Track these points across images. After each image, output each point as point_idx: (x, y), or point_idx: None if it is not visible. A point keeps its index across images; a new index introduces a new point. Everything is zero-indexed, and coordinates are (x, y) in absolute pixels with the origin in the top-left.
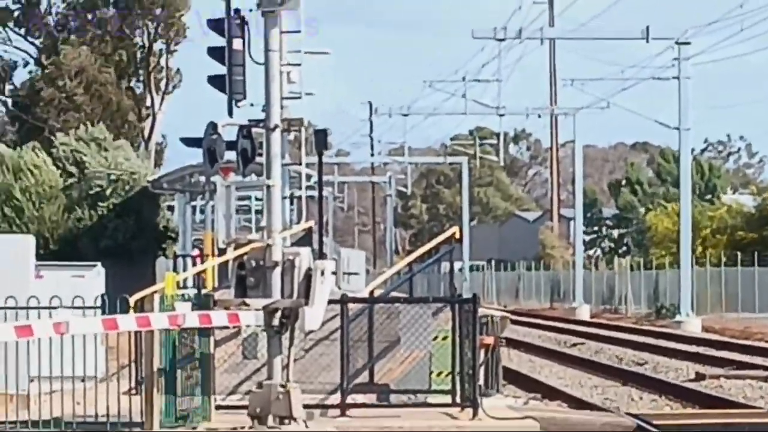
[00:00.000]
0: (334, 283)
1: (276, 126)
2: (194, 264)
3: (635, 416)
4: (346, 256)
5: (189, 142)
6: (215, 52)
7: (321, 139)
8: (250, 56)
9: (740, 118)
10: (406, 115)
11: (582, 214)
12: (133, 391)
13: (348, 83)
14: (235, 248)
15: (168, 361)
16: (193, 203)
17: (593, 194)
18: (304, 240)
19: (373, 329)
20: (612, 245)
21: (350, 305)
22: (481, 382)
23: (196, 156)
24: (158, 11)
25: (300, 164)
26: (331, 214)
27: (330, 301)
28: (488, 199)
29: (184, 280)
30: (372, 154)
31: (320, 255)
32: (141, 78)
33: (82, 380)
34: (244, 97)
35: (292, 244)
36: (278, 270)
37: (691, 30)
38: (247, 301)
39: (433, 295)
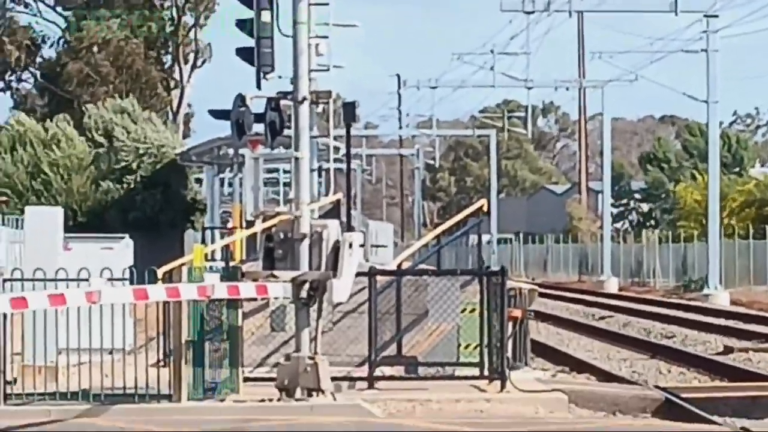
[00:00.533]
0: (362, 256)
1: (304, 98)
2: (227, 234)
3: (663, 389)
4: (374, 228)
5: (217, 114)
6: (244, 25)
7: (349, 111)
8: (279, 28)
9: None
10: (434, 88)
11: (610, 187)
12: (161, 364)
13: (376, 56)
14: (264, 221)
15: (196, 333)
16: (221, 176)
17: (621, 168)
18: (332, 213)
19: (401, 302)
20: (640, 218)
21: (378, 278)
22: (509, 354)
23: (224, 128)
24: None
25: (328, 137)
26: (359, 186)
27: (358, 274)
28: (516, 172)
29: (212, 253)
30: (400, 127)
31: (348, 227)
32: (170, 51)
33: (110, 352)
34: (273, 70)
35: (320, 217)
36: (306, 242)
37: (720, 2)
38: (276, 273)
39: (461, 268)
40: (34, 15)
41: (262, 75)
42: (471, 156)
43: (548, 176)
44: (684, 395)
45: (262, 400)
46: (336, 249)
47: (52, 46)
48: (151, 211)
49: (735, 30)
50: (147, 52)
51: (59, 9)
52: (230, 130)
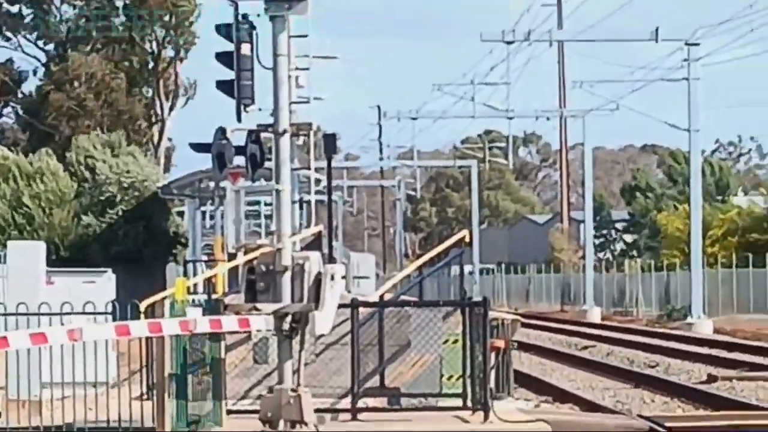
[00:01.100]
0: (344, 288)
1: (285, 130)
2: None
3: (647, 418)
4: (355, 260)
5: (198, 147)
6: (223, 57)
7: (330, 143)
8: (259, 61)
9: (751, 119)
10: (414, 119)
11: (592, 216)
12: (145, 397)
13: (357, 88)
14: (245, 253)
15: (179, 366)
16: (203, 209)
17: (602, 197)
18: (314, 244)
19: (384, 333)
20: (624, 248)
21: (360, 309)
22: (492, 385)
23: (204, 162)
24: (167, 18)
25: (309, 169)
26: (341, 218)
27: (340, 306)
28: (498, 202)
29: (195, 286)
30: (381, 158)
31: (330, 259)
32: (152, 85)
33: (94, 386)
34: (253, 102)
35: (302, 249)
36: (288, 274)
37: (701, 31)
38: (258, 305)
39: (443, 299)
40: (15, 49)
41: (242, 107)
42: (452, 186)
43: (530, 206)
44: (668, 424)
45: None
46: (318, 281)
47: (27, 79)
48: (133, 245)
49: (716, 58)
50: (130, 86)
51: (40, 43)
52: (211, 163)
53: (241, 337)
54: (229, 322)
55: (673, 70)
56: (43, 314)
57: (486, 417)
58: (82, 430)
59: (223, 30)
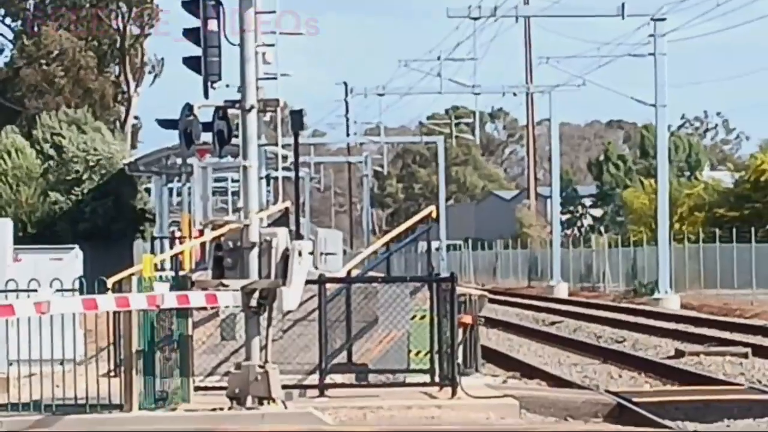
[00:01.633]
0: (311, 264)
1: (252, 107)
2: (174, 245)
3: (615, 394)
4: (323, 236)
5: (165, 123)
6: (190, 34)
7: (297, 119)
8: (225, 37)
9: (717, 94)
10: (381, 95)
11: (559, 192)
12: (112, 374)
13: (323, 64)
14: (213, 229)
15: (146, 343)
16: (170, 185)
17: (569, 173)
18: (281, 221)
19: (351, 309)
20: (591, 224)
21: (328, 285)
22: (460, 361)
23: (171, 138)
24: None
25: (276, 145)
26: (308, 194)
27: (307, 282)
28: (465, 178)
29: (162, 262)
30: (348, 135)
31: (297, 235)
32: (118, 62)
33: (61, 363)
34: (220, 78)
35: (269, 225)
36: (255, 251)
37: (667, 6)
38: (225, 281)
39: (410, 275)
40: None
41: (209, 84)
42: (419, 163)
43: (497, 182)
44: (635, 399)
45: (213, 409)
46: (285, 257)
47: (4, 54)
48: (100, 222)
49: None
50: (100, 65)
51: (8, 21)
52: (178, 139)
53: (209, 314)
54: (196, 298)
55: (639, 45)
56: (10, 291)
57: (454, 393)
58: (49, 407)
59: (191, 6)
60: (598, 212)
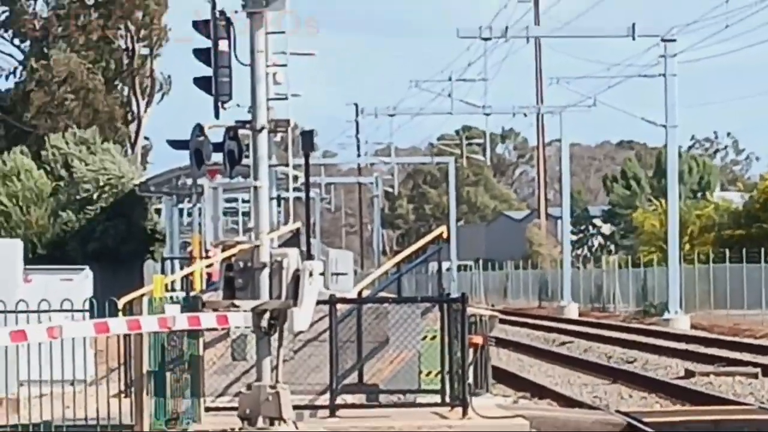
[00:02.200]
0: (322, 284)
1: (263, 127)
2: (191, 263)
3: (625, 414)
4: (333, 256)
5: (176, 144)
6: (201, 54)
7: (307, 140)
8: (236, 57)
9: (727, 114)
10: (392, 116)
11: (569, 212)
12: (123, 394)
13: (334, 85)
14: (223, 250)
15: (157, 363)
16: (180, 206)
17: (580, 193)
18: (292, 241)
19: (362, 330)
20: (602, 242)
21: (339, 306)
22: (471, 381)
23: (181, 159)
24: (139, 15)
25: (287, 165)
26: (319, 215)
27: (318, 302)
28: (475, 198)
29: (172, 283)
30: (358, 155)
31: (308, 256)
32: (127, 83)
33: (72, 383)
34: (230, 99)
35: (280, 246)
36: (266, 271)
37: (677, 27)
38: (236, 302)
39: (421, 295)
40: None
41: (220, 104)
42: (430, 183)
43: (507, 202)
44: (646, 420)
45: (224, 430)
46: (296, 278)
47: (9, 77)
48: (111, 242)
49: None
50: (107, 85)
51: (17, 41)
52: (189, 160)
53: (220, 334)
54: (207, 319)
55: (649, 66)
56: (20, 312)
57: (464, 413)
58: (60, 429)
59: (201, 27)
60: (608, 229)
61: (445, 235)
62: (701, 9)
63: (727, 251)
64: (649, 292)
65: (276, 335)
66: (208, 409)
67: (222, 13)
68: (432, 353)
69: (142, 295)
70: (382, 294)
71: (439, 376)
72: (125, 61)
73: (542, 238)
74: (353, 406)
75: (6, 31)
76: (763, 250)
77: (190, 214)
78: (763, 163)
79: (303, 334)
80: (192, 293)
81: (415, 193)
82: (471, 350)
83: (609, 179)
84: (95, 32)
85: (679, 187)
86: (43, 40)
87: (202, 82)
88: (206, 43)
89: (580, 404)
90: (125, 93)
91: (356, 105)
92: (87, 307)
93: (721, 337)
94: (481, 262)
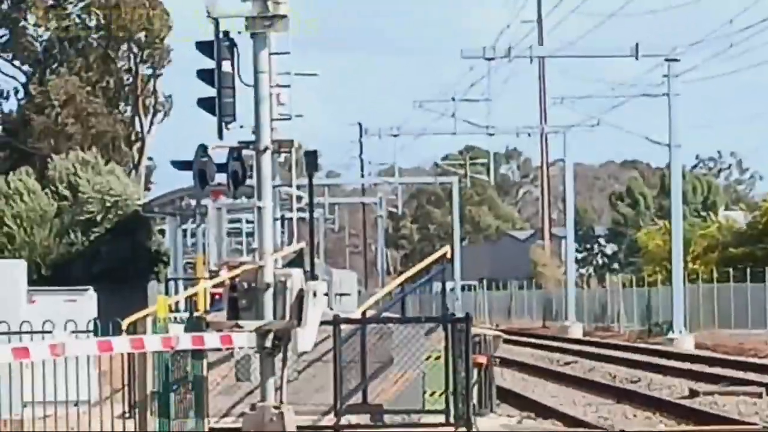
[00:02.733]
0: (326, 305)
1: (266, 148)
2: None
3: None
4: (337, 277)
5: (179, 165)
6: (204, 75)
7: (311, 160)
8: (240, 78)
9: (731, 134)
10: (396, 136)
11: (573, 232)
12: (127, 415)
13: (338, 105)
14: (227, 270)
15: (161, 384)
16: (184, 226)
17: (584, 213)
18: (296, 262)
19: (366, 350)
20: (605, 260)
21: (342, 326)
22: (475, 401)
23: (185, 179)
24: (141, 35)
25: (290, 186)
26: (322, 235)
27: (322, 323)
28: (479, 218)
29: (177, 303)
30: (362, 175)
31: (312, 276)
32: (129, 102)
33: (76, 404)
34: (234, 119)
35: (284, 266)
36: (270, 291)
37: (681, 47)
38: (240, 323)
39: (425, 315)
40: None
41: (224, 125)
42: (433, 203)
43: (511, 222)
44: None
45: None
46: (300, 298)
47: (8, 98)
48: (115, 263)
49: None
50: (108, 106)
51: (17, 63)
52: (192, 180)
53: (224, 355)
54: (211, 339)
55: (653, 86)
56: (24, 332)
57: None
58: None
59: (205, 47)
60: (611, 249)
61: (448, 255)
62: (705, 29)
63: (731, 270)
64: (653, 312)
65: (280, 356)
66: (212, 430)
67: (225, 33)
68: (436, 373)
69: (146, 316)
70: (386, 314)
71: (444, 396)
72: (127, 81)
73: (546, 258)
74: (358, 426)
75: (7, 53)
76: (766, 269)
77: (194, 235)
78: (767, 182)
79: (307, 355)
80: (196, 314)
81: (419, 213)
82: (475, 370)
83: (615, 196)
84: (96, 53)
85: (683, 207)
86: (43, 63)
87: (205, 103)
88: (210, 64)
89: (585, 424)
90: (127, 113)
91: (360, 125)
92: (91, 327)
93: (726, 357)
94: (485, 281)
